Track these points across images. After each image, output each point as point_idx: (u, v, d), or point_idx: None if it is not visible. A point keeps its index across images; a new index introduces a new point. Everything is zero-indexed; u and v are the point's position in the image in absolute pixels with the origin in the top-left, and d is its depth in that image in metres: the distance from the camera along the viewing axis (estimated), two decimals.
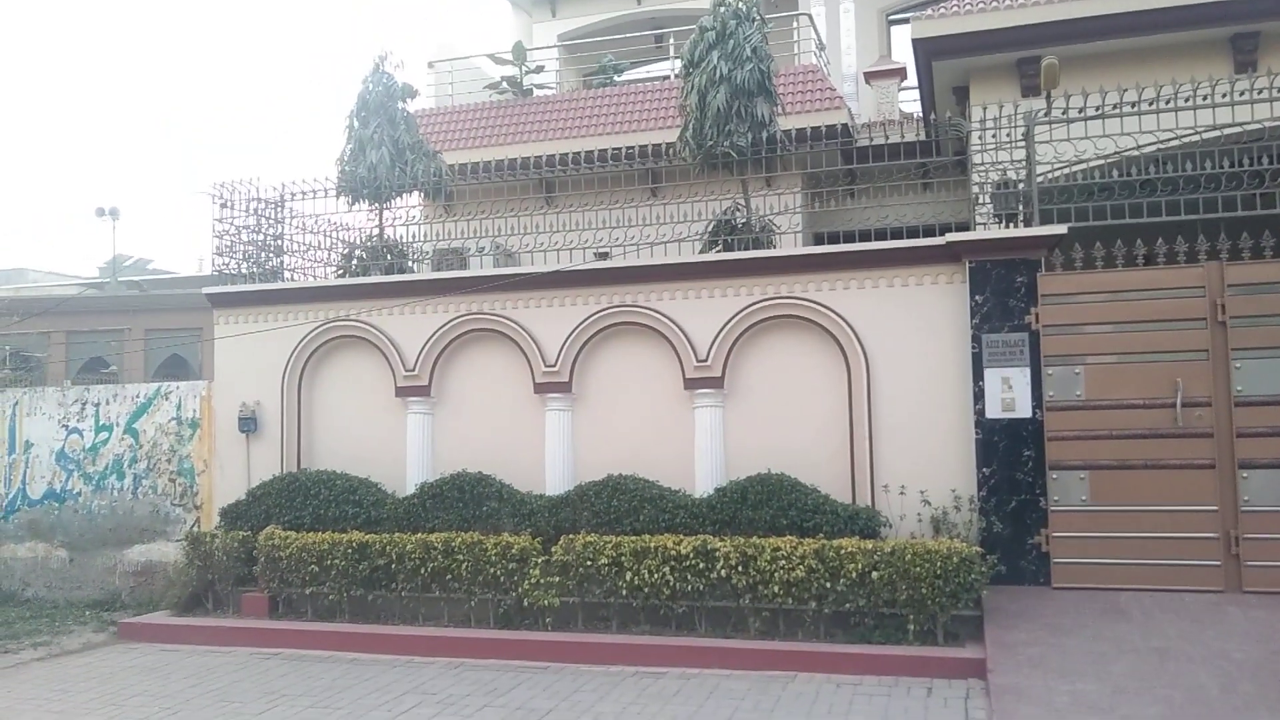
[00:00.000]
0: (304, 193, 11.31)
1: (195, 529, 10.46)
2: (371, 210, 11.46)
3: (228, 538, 9.41)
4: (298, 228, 11.52)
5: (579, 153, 11.56)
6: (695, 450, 9.29)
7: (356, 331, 10.41)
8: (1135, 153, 8.51)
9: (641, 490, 8.84)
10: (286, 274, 11.46)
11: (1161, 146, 8.52)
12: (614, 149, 11.54)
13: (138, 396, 11.27)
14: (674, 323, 9.34)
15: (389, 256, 11.11)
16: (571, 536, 8.38)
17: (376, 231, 11.38)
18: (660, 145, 12.20)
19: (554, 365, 9.66)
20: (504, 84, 15.55)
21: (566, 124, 14.10)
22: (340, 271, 11.37)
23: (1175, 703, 5.77)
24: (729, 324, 9.19)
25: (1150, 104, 8.35)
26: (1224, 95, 8.30)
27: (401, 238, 11.45)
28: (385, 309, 10.26)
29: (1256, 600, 7.48)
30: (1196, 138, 8.48)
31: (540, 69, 15.97)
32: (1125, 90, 8.47)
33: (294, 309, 10.60)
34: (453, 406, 10.19)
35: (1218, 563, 7.74)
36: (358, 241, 11.56)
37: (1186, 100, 8.36)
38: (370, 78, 11.61)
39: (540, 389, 9.75)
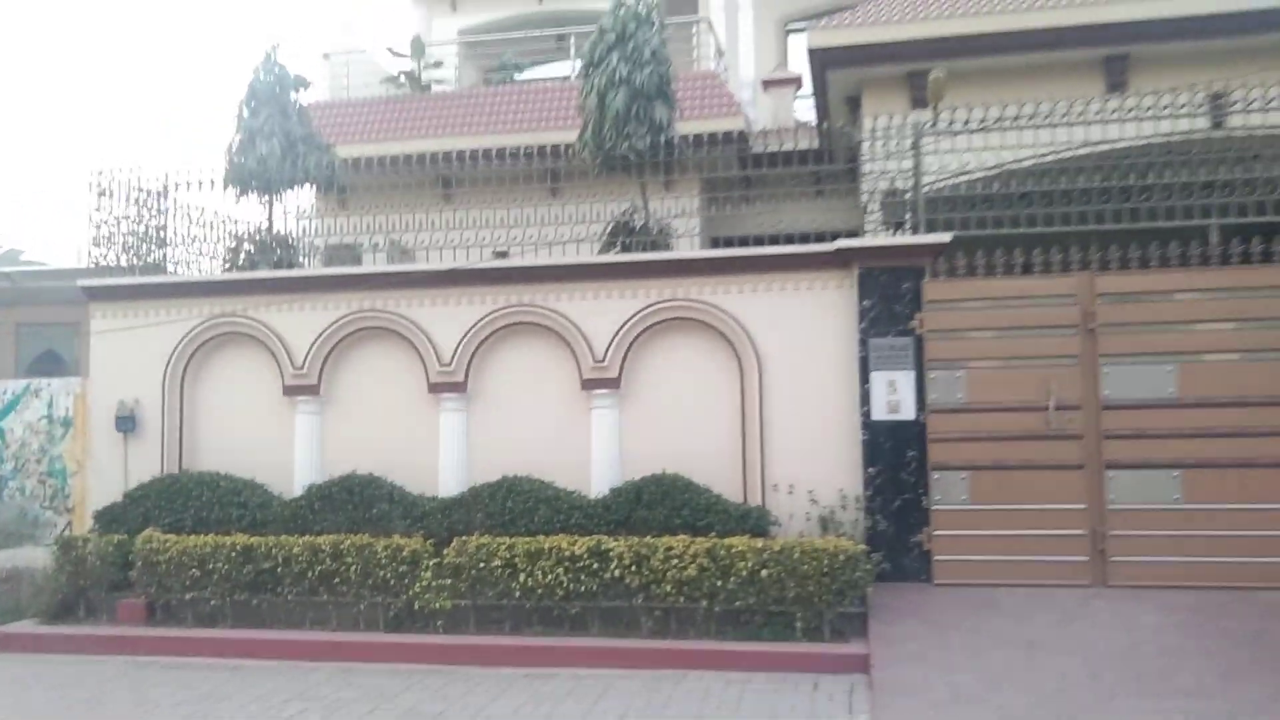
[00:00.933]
0: (189, 183, 10.91)
1: (67, 533, 9.98)
2: (261, 203, 11.13)
3: (102, 542, 9.00)
4: (183, 219, 11.11)
5: (478, 150, 11.45)
6: (592, 451, 9.31)
7: (243, 328, 10.09)
8: (1015, 166, 8.90)
9: (537, 491, 8.82)
10: (170, 267, 11.04)
11: (1039, 161, 8.92)
12: (513, 147, 11.48)
13: (4, 394, 10.70)
14: (572, 323, 9.34)
15: (278, 251, 10.81)
16: (464, 538, 8.29)
17: (266, 225, 11.06)
18: (560, 145, 12.16)
19: (449, 365, 9.55)
20: (402, 78, 15.30)
21: (465, 121, 13.95)
22: (227, 265, 11.01)
23: (1045, 691, 6.04)
24: (626, 325, 9.23)
25: (1029, 120, 8.74)
26: (1097, 114, 8.74)
27: (293, 232, 11.16)
28: (274, 305, 9.98)
29: (1121, 594, 7.88)
30: (1071, 153, 8.90)
31: (439, 64, 15.77)
32: (1007, 106, 8.84)
33: (177, 303, 10.21)
34: (344, 406, 9.97)
35: (1086, 559, 8.14)
36: (246, 235, 11.21)
37: (1063, 117, 8.77)
38: (261, 67, 11.27)
39: (435, 389, 9.62)
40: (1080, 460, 8.22)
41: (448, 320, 9.63)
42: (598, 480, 9.19)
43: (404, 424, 9.74)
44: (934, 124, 9.02)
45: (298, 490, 9.58)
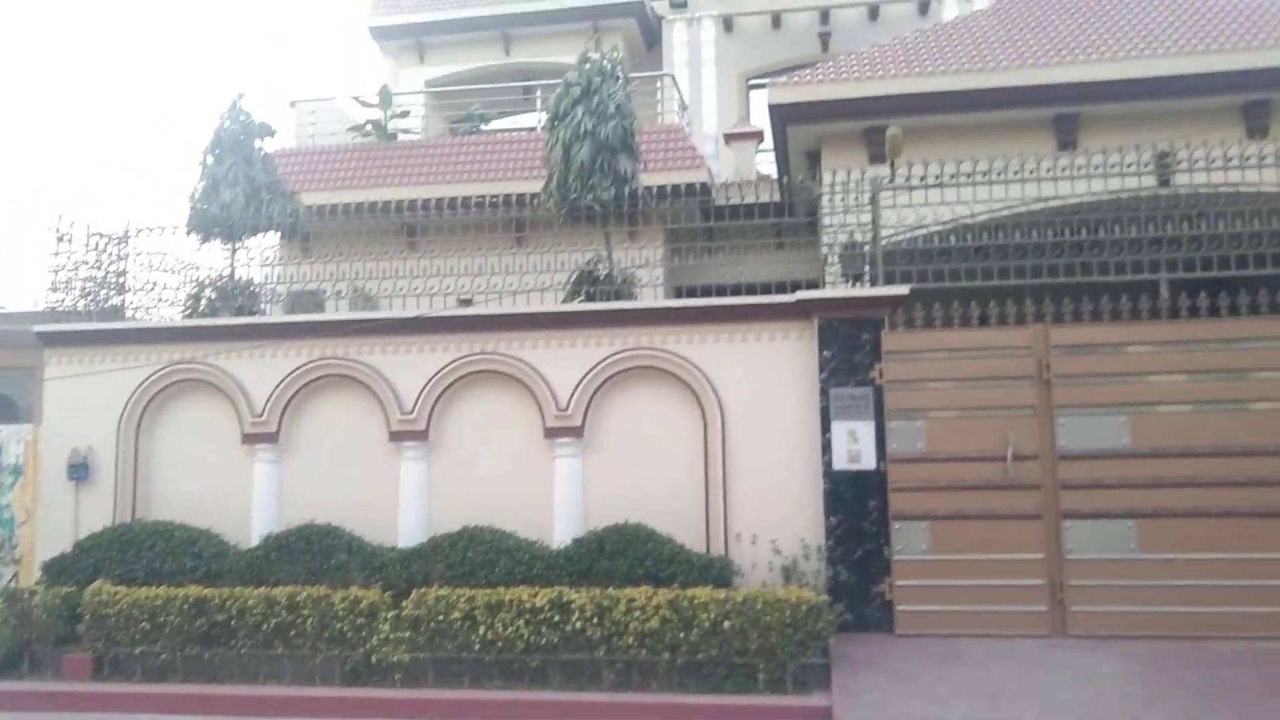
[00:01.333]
0: (150, 229, 10.84)
1: (13, 584, 9.71)
2: (224, 249, 11.09)
3: (49, 594, 8.76)
4: (144, 265, 11.01)
5: (443, 199, 11.52)
6: (554, 500, 9.27)
7: (202, 375, 9.98)
8: (970, 220, 9.09)
9: (498, 541, 8.74)
10: (129, 313, 10.91)
11: (993, 215, 9.12)
12: (479, 196, 11.56)
13: None
14: (535, 371, 9.34)
15: (240, 298, 10.74)
16: (424, 590, 8.19)
17: (228, 271, 11.00)
18: (526, 195, 12.27)
19: (411, 413, 9.50)
20: (368, 127, 15.38)
21: (431, 169, 14.03)
22: (187, 312, 10.91)
23: None
24: (590, 374, 9.25)
25: (984, 176, 8.95)
26: (1048, 171, 8.98)
27: (256, 278, 11.10)
28: (234, 352, 9.88)
29: (1080, 644, 7.93)
30: (1025, 209, 9.12)
31: (406, 114, 15.87)
32: (961, 162, 9.06)
33: (135, 350, 10.09)
34: (304, 454, 9.86)
35: (1045, 608, 8.19)
36: (207, 281, 11.13)
37: (1015, 174, 9.00)
38: (227, 115, 11.30)
39: (396, 437, 9.55)
40: (1038, 510, 8.31)
41: (410, 368, 9.60)
42: (560, 530, 9.13)
43: (364, 473, 9.65)
44: (891, 179, 9.21)
45: (255, 540, 9.42)
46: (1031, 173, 9.00)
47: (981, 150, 9.48)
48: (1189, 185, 9.13)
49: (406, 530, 9.41)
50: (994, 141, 10.06)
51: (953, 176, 9.02)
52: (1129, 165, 8.96)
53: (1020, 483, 8.34)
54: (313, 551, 8.95)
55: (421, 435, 9.50)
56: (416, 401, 9.51)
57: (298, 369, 9.76)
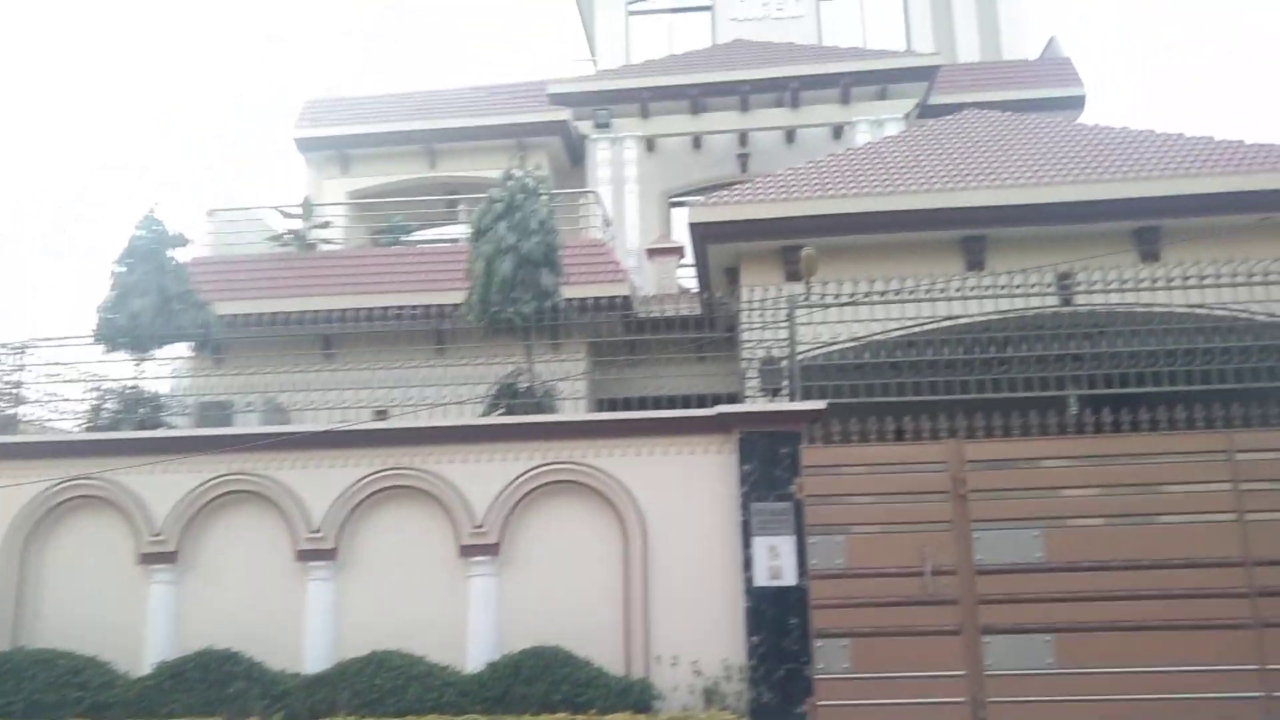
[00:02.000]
0: (50, 340, 10.48)
1: None
2: (132, 360, 10.76)
3: None
4: (44, 376, 10.60)
5: (363, 309, 11.41)
6: (469, 622, 8.94)
7: (99, 491, 9.51)
8: (884, 337, 9.30)
9: (408, 667, 8.37)
10: (23, 426, 10.44)
11: (906, 332, 9.36)
12: (399, 307, 11.48)
13: None
14: (451, 486, 9.12)
15: (144, 410, 10.37)
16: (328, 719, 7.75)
17: (133, 382, 10.64)
18: (447, 306, 12.24)
19: (319, 531, 9.15)
20: (287, 236, 15.29)
21: (351, 280, 13.91)
22: (87, 425, 10.48)
23: None
24: (508, 489, 9.07)
25: (895, 295, 9.21)
26: (957, 290, 9.29)
27: (163, 390, 10.76)
28: (134, 467, 9.47)
29: None
30: (935, 326, 9.38)
31: (327, 224, 15.84)
32: (874, 281, 9.32)
33: (25, 465, 9.58)
34: (205, 575, 9.39)
35: None
36: (110, 393, 10.75)
37: (926, 293, 9.28)
38: (141, 224, 11.12)
39: (303, 556, 9.17)
40: (957, 625, 8.28)
41: (320, 484, 9.29)
42: (475, 653, 8.78)
43: (269, 595, 9.21)
44: (807, 296, 9.42)
45: (147, 668, 8.86)
46: (941, 292, 9.29)
47: (894, 269, 9.77)
48: (1088, 305, 9.51)
49: (312, 655, 8.95)
50: (906, 261, 10.39)
51: (866, 295, 9.26)
52: (1033, 286, 9.31)
53: (939, 598, 8.32)
54: (209, 680, 8.45)
55: (330, 554, 9.15)
56: (326, 519, 9.18)
57: (201, 485, 9.38)
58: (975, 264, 10.80)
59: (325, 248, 15.72)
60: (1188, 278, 9.07)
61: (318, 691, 8.34)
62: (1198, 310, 9.04)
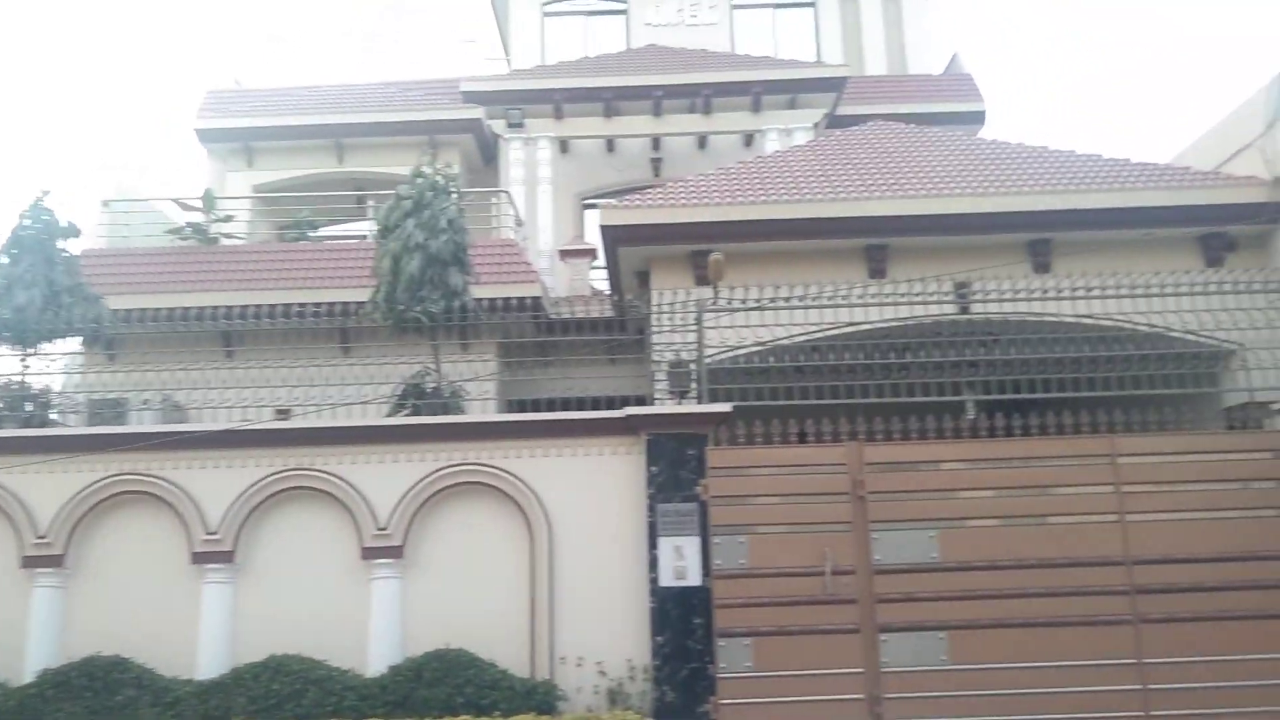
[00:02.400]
0: None
1: None
2: (17, 355, 10.30)
3: None
4: None
5: (265, 305, 11.14)
6: (371, 625, 8.80)
7: None
8: (789, 341, 9.48)
9: (307, 671, 8.23)
10: None
11: (810, 337, 9.56)
12: (302, 304, 11.24)
13: None
14: (354, 488, 8.97)
15: (30, 407, 9.93)
16: None
17: (18, 379, 10.18)
18: (353, 304, 12.02)
19: (216, 532, 8.91)
20: (188, 229, 14.81)
21: (254, 276, 13.56)
22: None
23: None
24: (412, 491, 8.97)
25: (800, 300, 9.40)
26: (859, 297, 9.53)
27: (51, 386, 10.32)
28: (20, 467, 9.06)
29: None
30: (838, 331, 9.60)
31: (229, 218, 15.39)
32: (780, 287, 9.49)
33: None
34: (94, 579, 9.05)
35: None
36: None
37: (830, 299, 9.49)
38: (28, 214, 10.66)
39: (199, 559, 8.92)
40: (856, 624, 8.48)
41: (219, 484, 9.05)
42: (376, 657, 8.65)
43: (163, 599, 8.93)
44: (715, 301, 9.54)
45: (29, 676, 8.50)
46: (845, 298, 9.51)
47: (800, 276, 9.96)
48: (984, 314, 9.85)
49: (207, 661, 8.70)
50: (811, 268, 10.60)
51: (773, 300, 9.43)
52: (932, 294, 9.61)
53: (838, 597, 8.51)
54: (95, 688, 8.17)
55: (227, 557, 8.91)
56: (223, 520, 8.94)
57: (91, 485, 9.04)
58: (878, 272, 11.08)
59: (227, 242, 15.29)
60: (1076, 289, 9.48)
61: (212, 698, 8.12)
62: (1085, 320, 9.45)
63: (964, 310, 10.32)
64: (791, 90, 16.87)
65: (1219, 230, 10.87)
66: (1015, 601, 8.48)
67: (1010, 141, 13.07)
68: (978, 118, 18.26)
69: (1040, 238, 11.05)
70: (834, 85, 16.91)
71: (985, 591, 8.50)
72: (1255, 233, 10.83)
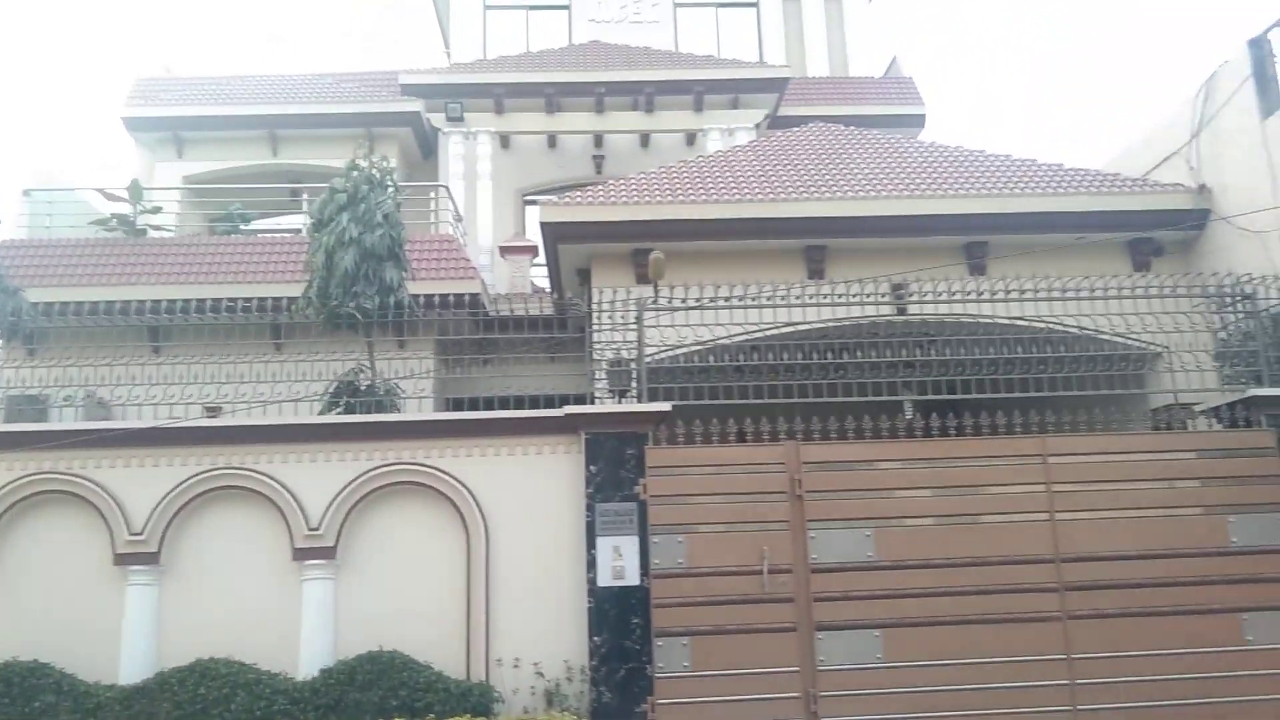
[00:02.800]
0: None
1: None
2: None
3: None
4: None
5: (194, 300, 10.84)
6: (302, 628, 8.60)
7: None
8: (729, 341, 9.50)
9: (235, 675, 8.01)
10: None
11: (750, 337, 9.58)
12: (233, 299, 10.95)
13: None
14: (285, 488, 8.77)
15: None
16: None
17: None
18: (286, 299, 11.76)
19: (141, 533, 8.63)
20: (114, 221, 14.37)
21: (183, 269, 13.20)
22: None
23: None
24: (346, 490, 8.79)
25: (740, 300, 9.42)
26: (798, 297, 9.57)
27: None
28: None
29: None
30: (778, 331, 9.63)
31: (158, 210, 14.97)
32: (720, 287, 9.49)
33: None
34: (12, 581, 8.72)
35: None
36: None
37: (769, 299, 9.52)
38: None
39: (122, 560, 8.64)
40: (793, 623, 8.52)
41: (144, 483, 8.77)
42: (308, 660, 8.46)
43: (83, 601, 8.63)
44: (655, 300, 9.51)
45: None
46: (784, 298, 9.55)
47: (740, 275, 9.97)
48: (920, 315, 9.97)
49: (131, 665, 8.43)
50: (752, 268, 10.62)
51: (712, 299, 9.43)
52: (869, 295, 9.69)
53: (776, 596, 8.54)
54: (12, 694, 7.89)
55: (152, 558, 8.64)
56: (149, 521, 8.67)
57: (10, 484, 8.71)
58: (817, 272, 11.15)
59: (156, 234, 14.86)
60: (1010, 291, 9.63)
61: (135, 703, 7.88)
62: (1019, 322, 9.60)
63: (901, 311, 10.43)
64: (734, 90, 16.94)
65: (1147, 236, 11.14)
66: (948, 599, 8.59)
67: (948, 145, 13.26)
68: (918, 121, 18.54)
69: (976, 240, 11.23)
70: (776, 86, 17.01)
71: (919, 589, 8.60)
72: (1181, 238, 11.13)
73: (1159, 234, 11.10)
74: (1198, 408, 9.62)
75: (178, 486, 8.75)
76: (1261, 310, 9.57)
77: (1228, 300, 9.75)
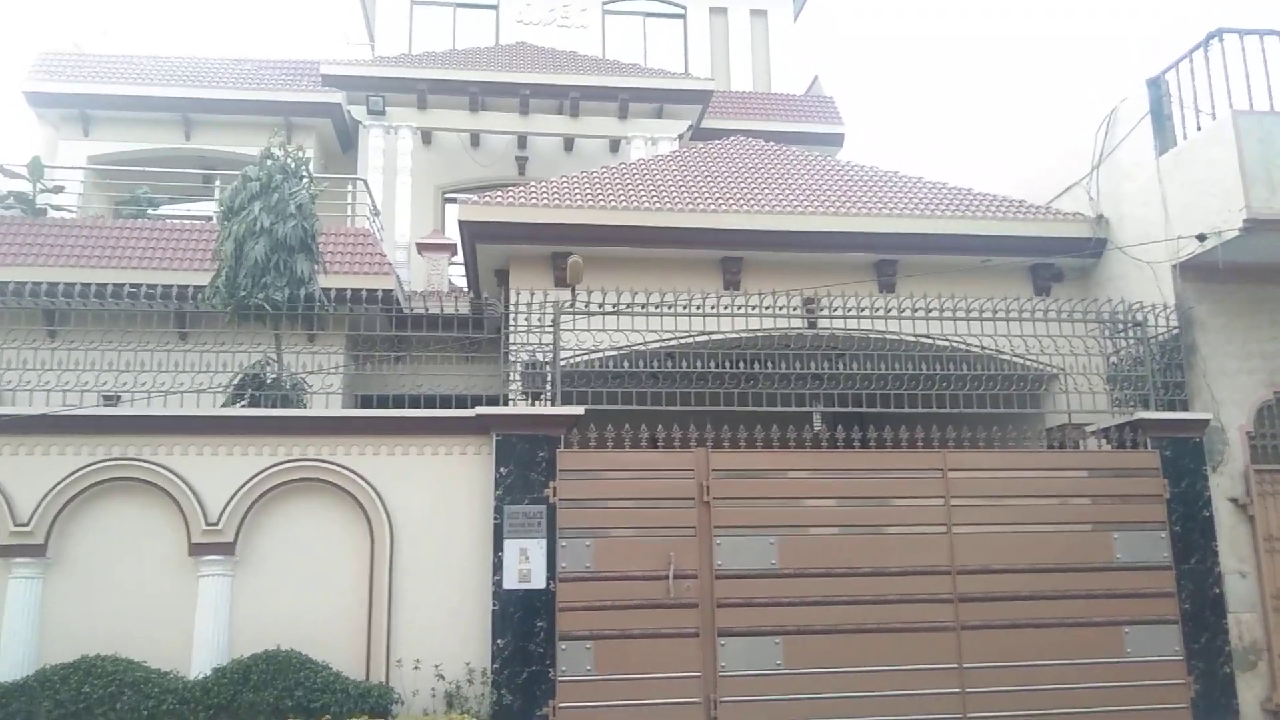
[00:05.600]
0: None
1: None
2: None
3: None
4: None
5: (95, 284, 10.44)
6: (197, 625, 8.36)
7: None
8: (644, 347, 9.56)
9: (122, 673, 7.75)
10: None
11: (665, 344, 9.66)
12: (136, 285, 10.60)
13: None
14: (183, 480, 8.52)
15: None
16: None
17: None
18: (192, 288, 11.44)
19: (27, 524, 8.29)
20: (10, 199, 13.77)
21: (84, 252, 12.72)
22: None
23: None
24: (247, 485, 8.59)
25: (656, 307, 9.50)
26: (713, 307, 9.69)
27: None
28: None
29: None
30: (692, 340, 9.73)
31: (60, 189, 14.41)
32: (637, 293, 9.55)
33: None
34: None
35: None
36: None
37: (685, 308, 9.62)
38: None
39: (6, 551, 8.28)
40: (696, 628, 8.61)
41: (30, 472, 8.44)
42: (202, 659, 8.23)
43: None
44: (572, 303, 9.52)
45: None
46: (700, 307, 9.66)
47: (657, 283, 10.05)
48: (830, 329, 10.18)
49: (10, 662, 8.08)
50: (669, 276, 10.70)
51: (629, 305, 9.48)
52: (781, 308, 9.86)
53: (681, 601, 8.62)
54: None
55: (38, 550, 8.31)
56: (35, 512, 8.33)
57: None
58: (732, 283, 11.29)
59: (56, 214, 14.29)
60: (917, 309, 9.91)
61: (12, 702, 7.55)
62: (924, 339, 9.87)
63: (812, 325, 10.62)
64: (658, 100, 17.07)
65: (1047, 261, 11.57)
66: (848, 608, 8.79)
67: (864, 165, 13.58)
68: (836, 139, 18.94)
69: (887, 259, 11.51)
70: (700, 98, 17.20)
71: (820, 598, 8.78)
72: (1079, 265, 11.59)
73: (1059, 260, 11.52)
74: (1089, 428, 10.03)
75: (69, 476, 8.44)
76: (1151, 337, 10.03)
77: (1120, 326, 10.19)
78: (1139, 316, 10.11)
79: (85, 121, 16.79)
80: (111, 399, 9.16)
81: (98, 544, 8.53)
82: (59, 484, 8.42)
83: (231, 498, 8.53)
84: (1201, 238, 9.75)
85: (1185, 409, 9.86)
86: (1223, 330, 10.22)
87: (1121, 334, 10.20)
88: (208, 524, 8.45)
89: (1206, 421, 9.74)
